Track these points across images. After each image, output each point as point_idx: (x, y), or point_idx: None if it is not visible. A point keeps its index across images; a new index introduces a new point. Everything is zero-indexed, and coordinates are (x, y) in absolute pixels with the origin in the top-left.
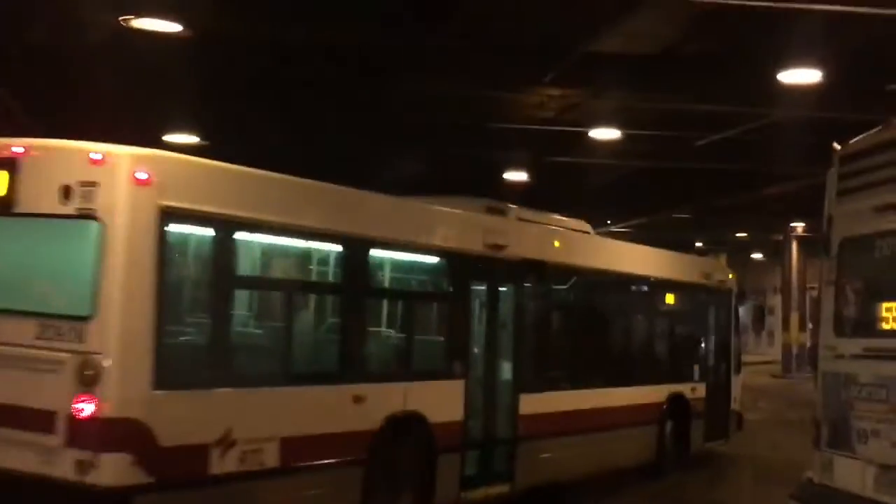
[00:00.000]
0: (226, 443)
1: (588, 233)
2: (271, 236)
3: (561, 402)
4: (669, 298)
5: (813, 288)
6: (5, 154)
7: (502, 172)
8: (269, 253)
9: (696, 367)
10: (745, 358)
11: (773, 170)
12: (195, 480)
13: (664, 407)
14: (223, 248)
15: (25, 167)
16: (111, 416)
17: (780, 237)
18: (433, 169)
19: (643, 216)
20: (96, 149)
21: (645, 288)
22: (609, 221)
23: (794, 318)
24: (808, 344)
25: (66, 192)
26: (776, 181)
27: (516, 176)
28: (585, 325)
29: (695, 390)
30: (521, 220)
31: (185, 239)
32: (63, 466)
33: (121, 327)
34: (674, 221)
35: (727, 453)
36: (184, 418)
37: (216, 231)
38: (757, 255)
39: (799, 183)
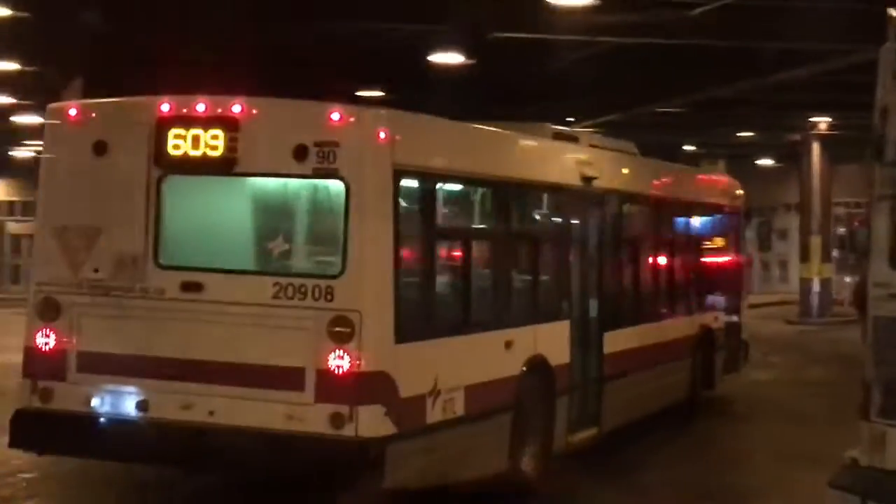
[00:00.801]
0: (435, 392)
1: (636, 154)
2: (483, 188)
3: (632, 338)
4: (701, 223)
5: (841, 204)
6: (223, 113)
7: (427, 52)
8: (480, 205)
9: (717, 296)
10: (752, 298)
11: (791, 46)
12: (418, 430)
13: (697, 339)
14: (445, 202)
15: (245, 126)
16: (367, 371)
17: (797, 137)
18: (331, 47)
19: (617, 111)
20: (336, 108)
21: (688, 214)
22: (571, 119)
23: (816, 243)
24: (840, 279)
25: (301, 151)
26: (794, 62)
27: (447, 58)
28: (647, 257)
29: (717, 320)
30: (592, 146)
31: (414, 195)
32: (316, 421)
33: (371, 285)
34: (657, 119)
35: (737, 425)
36: (414, 370)
37: (439, 186)
38: (765, 162)
39: (826, 65)
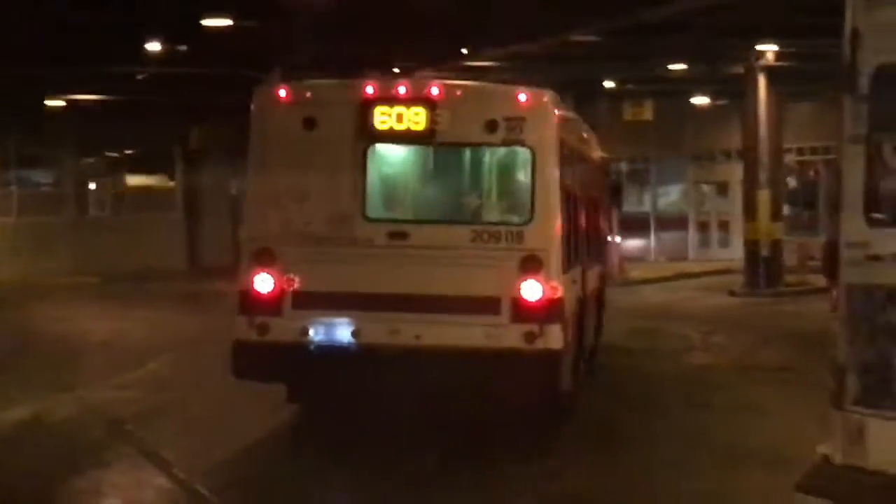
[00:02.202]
0: (568, 314)
1: None
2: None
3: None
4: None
5: (792, 150)
6: (424, 94)
7: None
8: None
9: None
10: (688, 266)
11: None
12: (568, 344)
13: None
14: (571, 169)
15: (442, 105)
16: (551, 297)
17: (740, 69)
18: None
19: (524, 41)
20: (521, 91)
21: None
22: (464, 51)
23: (764, 198)
24: (792, 241)
25: (493, 125)
26: None
27: None
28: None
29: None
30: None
31: (563, 162)
32: (511, 339)
33: (551, 230)
34: (571, 50)
35: (674, 418)
36: (566, 296)
37: (569, 156)
38: (701, 101)
39: None
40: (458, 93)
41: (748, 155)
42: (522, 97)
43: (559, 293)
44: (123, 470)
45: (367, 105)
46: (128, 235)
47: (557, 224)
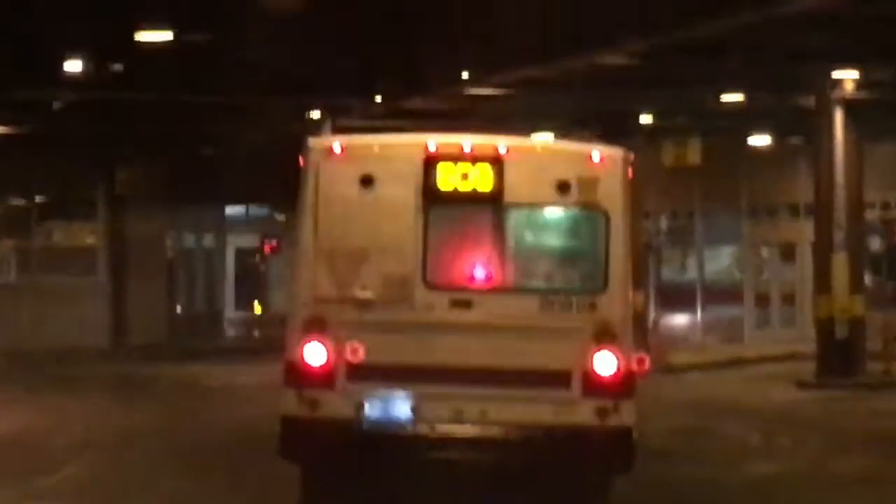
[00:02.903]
0: None
1: None
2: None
3: None
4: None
5: (876, 205)
6: (491, 152)
7: None
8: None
9: None
10: (743, 350)
11: None
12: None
13: None
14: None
15: (511, 163)
16: (626, 370)
17: (811, 102)
18: None
19: (538, 63)
20: (596, 149)
21: None
22: (465, 75)
23: (841, 264)
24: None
25: (564, 186)
26: None
27: None
28: None
29: None
30: None
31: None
32: (581, 414)
33: (625, 297)
34: (599, 75)
35: None
36: None
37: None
38: (760, 140)
39: None
40: (528, 151)
41: (821, 210)
42: (596, 156)
43: (633, 366)
44: None
45: (431, 162)
46: (37, 304)
47: (628, 291)
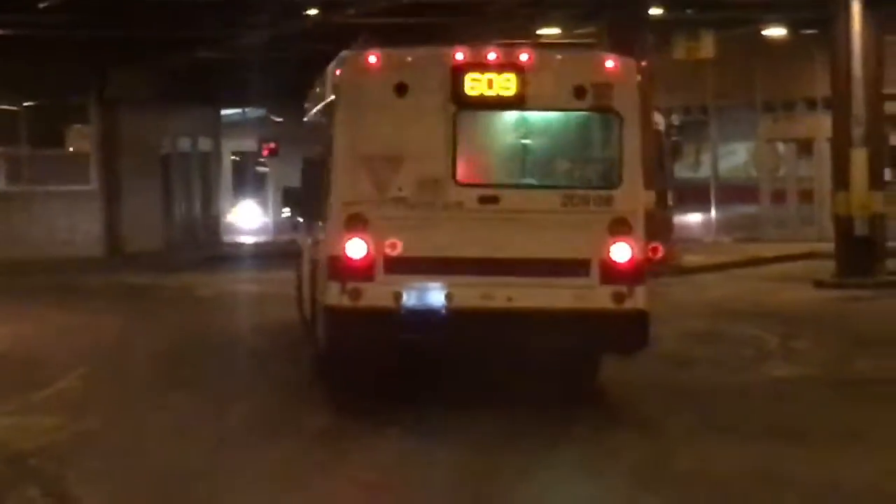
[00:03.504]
0: None
1: None
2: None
3: None
4: None
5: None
6: (514, 60)
7: None
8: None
9: None
10: (759, 249)
11: None
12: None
13: None
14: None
15: (532, 71)
16: (639, 258)
17: None
18: None
19: None
20: (609, 57)
21: None
22: None
23: (860, 159)
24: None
25: (581, 91)
26: None
27: None
28: None
29: None
30: None
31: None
32: (599, 300)
33: (638, 193)
34: None
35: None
36: None
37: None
38: (775, 32)
39: None
40: (547, 59)
41: (838, 103)
42: (610, 63)
43: (646, 255)
44: None
45: (459, 71)
46: (28, 213)
47: (641, 187)
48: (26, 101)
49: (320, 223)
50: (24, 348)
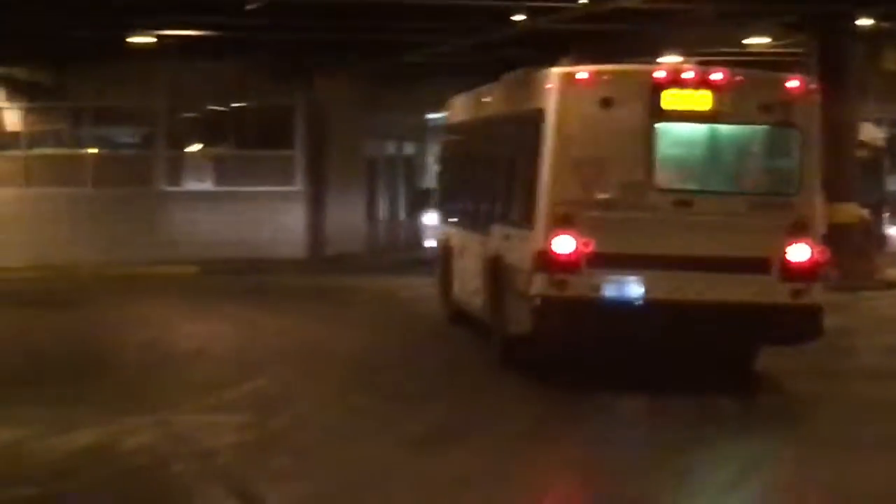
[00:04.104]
0: None
1: None
2: None
3: None
4: None
5: None
6: (708, 79)
7: None
8: None
9: None
10: None
11: None
12: None
13: None
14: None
15: (724, 89)
16: (816, 259)
17: None
18: None
19: None
20: (792, 78)
21: None
22: None
23: None
24: None
25: (767, 108)
26: None
27: None
28: None
29: None
30: None
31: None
32: (779, 295)
33: (815, 199)
34: None
35: None
36: None
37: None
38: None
39: None
40: (738, 79)
41: None
42: (793, 84)
43: (823, 255)
44: None
45: (659, 88)
46: (233, 214)
47: (819, 195)
48: (234, 103)
49: (511, 223)
50: (222, 346)
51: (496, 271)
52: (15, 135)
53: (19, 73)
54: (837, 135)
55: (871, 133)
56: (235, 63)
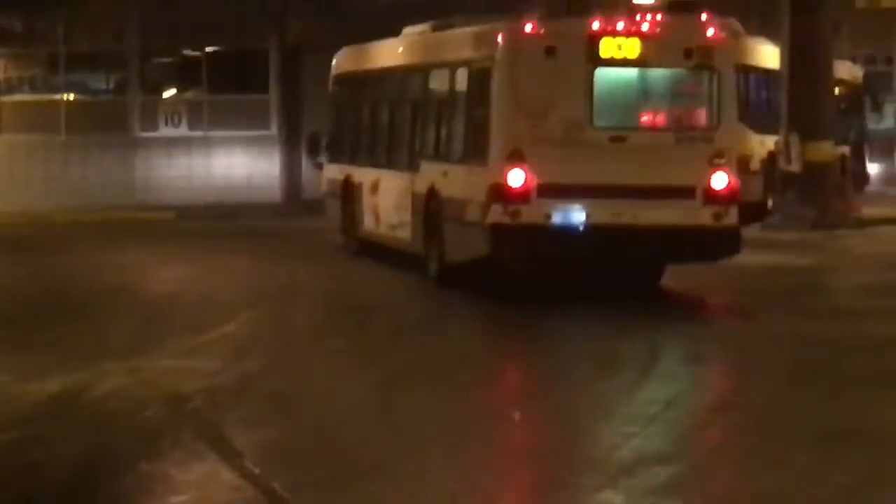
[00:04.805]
0: None
1: None
2: None
3: None
4: None
5: None
6: (637, 29)
7: None
8: None
9: None
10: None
11: None
12: None
13: None
14: None
15: (651, 37)
16: (734, 185)
17: None
18: None
19: None
20: (710, 24)
21: None
22: None
23: None
24: None
25: (689, 53)
26: None
27: None
28: None
29: None
30: None
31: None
32: (703, 218)
33: (733, 134)
34: None
35: None
36: None
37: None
38: None
39: None
40: (663, 28)
41: None
42: (711, 31)
43: (739, 183)
44: (180, 461)
45: (595, 37)
46: (208, 159)
47: (737, 130)
48: (208, 47)
49: (452, 160)
50: (195, 291)
51: (431, 204)
52: None
53: None
54: (812, 72)
55: (850, 71)
56: (209, 8)
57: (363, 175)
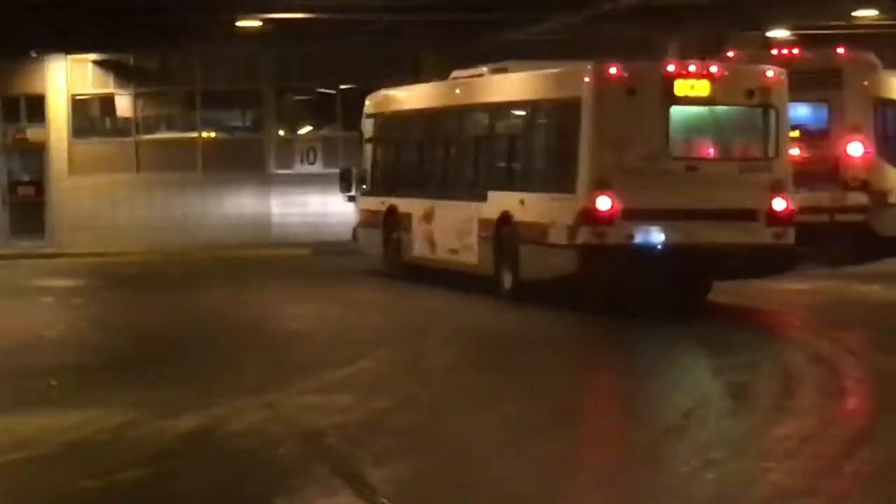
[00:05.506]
0: None
1: None
2: None
3: None
4: None
5: None
6: (707, 72)
7: None
8: None
9: None
10: None
11: None
12: None
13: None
14: None
15: (719, 79)
16: (791, 209)
17: None
18: None
19: None
20: (769, 69)
21: None
22: None
23: None
24: None
25: (751, 93)
26: None
27: None
28: None
29: None
30: None
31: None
32: (765, 237)
33: (788, 163)
34: None
35: None
36: None
37: None
38: None
39: None
40: (729, 70)
41: None
42: (769, 74)
43: (796, 207)
44: (314, 497)
45: (670, 78)
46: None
47: (790, 159)
48: (342, 84)
49: (529, 189)
50: (330, 327)
51: (503, 230)
52: (126, 120)
53: (127, 58)
54: None
55: None
56: (345, 45)
57: (411, 205)
